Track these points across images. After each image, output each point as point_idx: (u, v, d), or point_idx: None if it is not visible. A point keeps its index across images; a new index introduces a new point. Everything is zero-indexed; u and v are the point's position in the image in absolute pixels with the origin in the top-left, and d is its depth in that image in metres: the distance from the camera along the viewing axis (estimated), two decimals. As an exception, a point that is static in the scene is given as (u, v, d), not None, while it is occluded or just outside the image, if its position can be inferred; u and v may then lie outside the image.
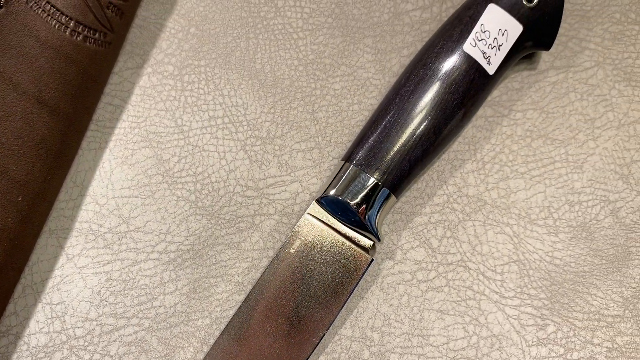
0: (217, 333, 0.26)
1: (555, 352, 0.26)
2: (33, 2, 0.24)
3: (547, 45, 0.29)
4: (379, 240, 0.26)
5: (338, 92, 0.29)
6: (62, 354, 0.25)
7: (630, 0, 0.31)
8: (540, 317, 0.27)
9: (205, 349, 0.25)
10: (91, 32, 0.25)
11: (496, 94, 0.29)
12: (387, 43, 0.30)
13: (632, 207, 0.28)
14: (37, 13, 0.24)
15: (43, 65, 0.24)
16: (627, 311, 0.27)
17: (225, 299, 0.26)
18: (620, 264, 0.27)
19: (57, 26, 0.24)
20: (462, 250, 0.27)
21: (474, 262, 0.27)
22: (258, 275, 0.26)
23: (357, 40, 0.30)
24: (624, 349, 0.27)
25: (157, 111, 0.28)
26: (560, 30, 0.30)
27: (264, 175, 0.28)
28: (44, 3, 0.24)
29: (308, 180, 0.28)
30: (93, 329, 0.25)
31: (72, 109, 0.25)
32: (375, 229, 0.26)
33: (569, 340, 0.27)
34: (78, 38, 0.25)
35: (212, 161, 0.28)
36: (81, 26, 0.25)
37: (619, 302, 0.27)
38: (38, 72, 0.24)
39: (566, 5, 0.31)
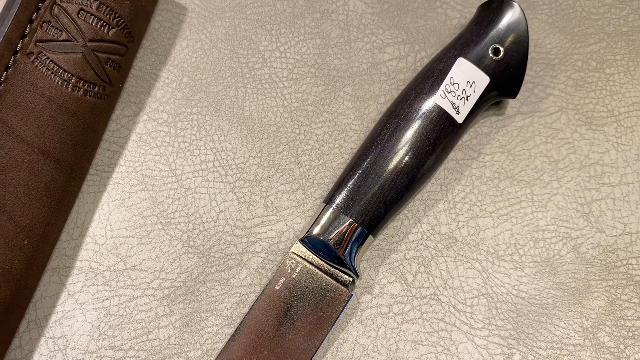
0: (208, 364, 0.27)
1: (521, 379, 0.28)
2: (38, 62, 0.25)
3: (513, 94, 0.31)
4: (357, 276, 0.28)
5: (320, 137, 0.31)
6: (64, 384, 0.27)
7: (591, 49, 0.33)
8: (507, 347, 0.29)
9: (197, 379, 0.27)
10: (91, 86, 0.27)
11: (466, 138, 0.31)
12: (365, 91, 0.31)
13: (592, 243, 0.30)
14: (42, 71, 0.26)
15: (47, 119, 0.26)
16: (587, 340, 0.29)
17: (215, 332, 0.28)
18: (580, 297, 0.29)
19: (60, 82, 0.26)
20: (435, 284, 0.29)
21: (445, 296, 0.29)
22: (246, 310, 0.28)
23: (337, 89, 0.31)
24: (584, 376, 0.28)
25: (152, 156, 0.30)
26: (526, 78, 0.32)
27: (252, 215, 0.29)
28: (48, 62, 0.26)
29: (292, 220, 0.30)
30: (92, 361, 0.27)
31: (73, 158, 0.27)
32: (353, 266, 0.28)
33: (533, 367, 0.28)
34: (79, 92, 0.27)
35: (203, 202, 0.29)
36: (82, 81, 0.27)
37: (580, 331, 0.29)
38: (42, 126, 0.26)
39: (532, 54, 0.33)
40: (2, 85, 0.24)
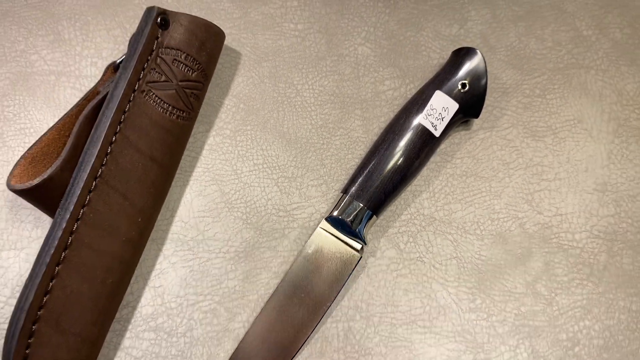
0: (262, 304, 0.38)
1: (481, 317, 0.39)
2: (147, 97, 0.37)
3: (476, 115, 0.41)
4: (365, 244, 0.39)
5: (338, 146, 0.42)
6: (162, 318, 0.38)
7: (536, 81, 0.44)
8: (471, 294, 0.40)
9: (254, 315, 0.38)
10: (181, 112, 0.38)
11: (443, 146, 0.42)
12: (370, 113, 0.43)
13: (533, 222, 0.41)
14: (150, 103, 0.37)
15: (153, 135, 0.37)
16: (528, 290, 0.40)
17: (266, 283, 0.39)
18: (524, 260, 0.40)
19: (161, 110, 0.37)
20: (420, 250, 0.40)
21: (427, 258, 0.40)
22: (287, 267, 0.39)
23: (350, 111, 0.43)
24: (525, 314, 0.39)
25: (219, 160, 0.41)
26: (487, 102, 0.43)
27: (290, 202, 0.41)
28: (154, 96, 0.37)
29: (319, 205, 0.41)
30: (182, 302, 0.38)
31: (169, 162, 0.38)
32: (363, 237, 0.39)
33: (489, 309, 0.39)
34: (173, 117, 0.38)
35: (256, 193, 0.41)
36: (175, 109, 0.38)
37: (523, 284, 0.40)
38: (150, 140, 0.37)
39: (491, 85, 0.44)
40: (126, 113, 0.36)
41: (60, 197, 0.34)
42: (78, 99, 0.41)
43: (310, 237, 0.38)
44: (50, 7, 0.43)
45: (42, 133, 0.40)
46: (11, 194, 0.39)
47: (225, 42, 0.42)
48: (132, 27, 0.43)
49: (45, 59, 0.42)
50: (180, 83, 0.38)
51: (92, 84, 0.41)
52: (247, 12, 0.44)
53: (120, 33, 0.43)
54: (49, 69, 0.42)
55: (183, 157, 0.40)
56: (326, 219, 0.39)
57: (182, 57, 0.38)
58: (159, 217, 0.39)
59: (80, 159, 0.34)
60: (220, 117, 0.42)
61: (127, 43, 0.42)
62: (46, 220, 0.39)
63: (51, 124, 0.40)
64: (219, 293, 0.38)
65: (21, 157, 0.35)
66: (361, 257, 0.38)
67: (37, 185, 0.33)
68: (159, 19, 0.37)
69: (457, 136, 0.42)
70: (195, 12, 0.43)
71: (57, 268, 0.33)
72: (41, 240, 0.38)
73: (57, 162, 0.34)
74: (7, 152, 0.40)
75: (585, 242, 0.40)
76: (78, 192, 0.33)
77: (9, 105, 0.41)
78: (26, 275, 0.38)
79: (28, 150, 0.36)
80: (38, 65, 0.42)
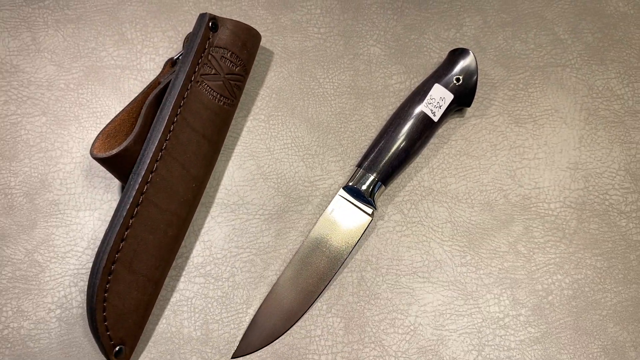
0: (290, 256, 0.46)
1: (470, 270, 0.47)
2: (201, 86, 0.45)
3: (468, 105, 0.49)
4: (375, 209, 0.47)
5: (353, 130, 0.50)
6: (210, 266, 0.46)
7: (520, 77, 0.52)
8: (462, 251, 0.47)
9: (285, 264, 0.46)
10: (227, 100, 0.47)
11: (440, 131, 0.50)
12: (380, 102, 0.51)
13: (516, 194, 0.49)
14: (203, 92, 0.45)
15: (205, 117, 0.45)
16: (510, 249, 0.47)
17: (294, 239, 0.47)
18: (507, 224, 0.48)
19: (212, 97, 0.46)
20: (420, 215, 0.48)
21: (426, 222, 0.48)
22: (310, 227, 0.47)
23: (363, 101, 0.51)
24: (508, 269, 0.47)
25: (256, 140, 0.49)
26: (477, 94, 0.51)
27: (313, 174, 0.49)
28: (206, 86, 0.45)
29: (338, 177, 0.49)
30: (226, 254, 0.46)
31: (216, 139, 0.46)
32: (374, 204, 0.47)
33: (478, 264, 0.47)
34: (220, 103, 0.46)
35: (286, 167, 0.49)
36: (223, 97, 0.46)
37: (506, 244, 0.48)
38: (203, 121, 0.45)
39: (482, 79, 0.52)
40: (185, 99, 0.44)
41: (131, 165, 0.42)
42: (140, 89, 0.49)
43: (330, 203, 0.46)
44: (116, 12, 0.51)
45: (111, 116, 0.48)
46: (86, 164, 0.47)
47: (260, 43, 0.50)
48: (183, 29, 0.51)
49: (112, 55, 0.50)
50: (226, 76, 0.46)
51: (151, 77, 0.50)
52: (278, 18, 0.52)
53: (174, 34, 0.51)
54: (115, 64, 0.50)
55: (226, 136, 0.49)
56: (343, 188, 0.47)
57: (228, 54, 0.46)
58: (207, 185, 0.47)
59: (149, 135, 0.43)
60: (256, 105, 0.50)
61: (179, 42, 0.51)
62: (115, 187, 0.47)
63: (117, 109, 0.49)
64: (256, 247, 0.46)
65: (99, 133, 0.44)
66: (372, 220, 0.46)
67: (115, 155, 0.42)
68: (210, 23, 0.45)
69: (452, 122, 0.50)
70: (234, 17, 0.52)
71: (131, 220, 0.41)
72: (111, 203, 0.47)
73: (131, 137, 0.42)
74: (82, 131, 0.48)
75: (559, 211, 0.48)
76: (148, 160, 0.42)
77: (83, 93, 0.49)
78: (99, 231, 0.46)
79: (104, 128, 0.44)
80: (106, 60, 0.50)
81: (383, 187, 0.46)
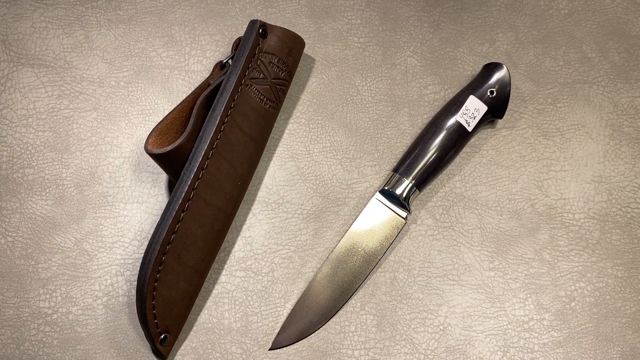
0: (327, 255, 0.48)
1: (498, 274, 0.49)
2: (250, 89, 0.47)
3: (501, 117, 0.51)
4: (410, 213, 0.49)
5: (389, 136, 0.52)
6: (251, 261, 0.48)
7: (549, 92, 0.54)
8: (490, 257, 0.49)
9: (321, 262, 0.48)
10: (272, 103, 0.48)
11: (472, 140, 0.52)
12: (415, 111, 0.53)
13: (542, 203, 0.51)
14: (251, 95, 0.47)
15: (252, 119, 0.47)
16: (536, 256, 0.49)
17: (331, 238, 0.49)
18: (534, 232, 0.50)
19: (259, 100, 0.47)
20: (451, 221, 0.50)
21: (457, 227, 0.50)
22: (347, 228, 0.49)
23: (400, 109, 0.53)
24: (533, 275, 0.49)
25: (296, 142, 0.51)
26: (509, 107, 0.53)
27: (350, 177, 0.51)
28: (254, 89, 0.47)
29: (374, 181, 0.51)
30: (265, 250, 0.48)
31: (261, 140, 0.48)
32: (408, 207, 0.49)
33: (505, 269, 0.49)
34: (266, 106, 0.48)
35: (324, 169, 0.51)
36: (269, 100, 0.48)
37: (532, 251, 0.50)
38: (250, 122, 0.47)
39: (513, 94, 0.53)
40: (235, 101, 0.46)
41: (183, 162, 0.44)
42: (187, 89, 0.51)
43: (366, 205, 0.48)
44: (165, 15, 0.53)
45: (159, 113, 0.50)
46: (134, 158, 0.49)
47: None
48: (230, 33, 0.53)
49: (161, 55, 0.52)
50: (273, 80, 0.48)
51: (199, 78, 0.51)
52: (320, 27, 0.54)
53: (221, 38, 0.53)
54: (164, 64, 0.52)
55: (269, 138, 0.50)
56: (380, 192, 0.48)
57: (275, 60, 0.48)
58: (250, 183, 0.49)
59: (200, 134, 0.45)
60: (298, 109, 0.52)
61: (226, 46, 0.52)
62: (162, 182, 0.49)
63: (165, 107, 0.51)
64: (294, 244, 0.48)
65: (153, 130, 0.45)
66: (406, 223, 0.48)
67: (169, 151, 0.43)
68: (260, 30, 0.47)
69: (484, 132, 0.52)
70: (278, 24, 0.53)
71: (182, 214, 0.43)
72: (157, 197, 0.48)
73: (184, 135, 0.44)
74: (131, 127, 0.50)
75: (583, 222, 0.50)
76: (200, 158, 0.44)
77: (133, 90, 0.51)
78: (145, 223, 0.48)
79: (157, 125, 0.46)
80: (156, 60, 0.52)
81: (417, 191, 0.48)
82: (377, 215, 0.48)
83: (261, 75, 0.47)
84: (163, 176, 0.49)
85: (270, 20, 0.53)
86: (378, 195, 0.48)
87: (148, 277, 0.42)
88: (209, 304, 0.46)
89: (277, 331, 0.46)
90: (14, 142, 0.49)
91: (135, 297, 0.44)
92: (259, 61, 0.47)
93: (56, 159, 0.48)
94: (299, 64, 0.52)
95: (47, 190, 0.48)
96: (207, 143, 0.44)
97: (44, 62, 0.51)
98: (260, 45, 0.47)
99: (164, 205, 0.48)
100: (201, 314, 0.46)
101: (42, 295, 0.45)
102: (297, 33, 0.53)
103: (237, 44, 0.49)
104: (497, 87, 0.49)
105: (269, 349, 0.45)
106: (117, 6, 0.53)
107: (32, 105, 0.50)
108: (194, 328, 0.45)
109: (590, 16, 0.56)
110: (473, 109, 0.49)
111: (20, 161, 0.48)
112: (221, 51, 0.52)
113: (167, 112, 0.50)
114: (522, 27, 0.55)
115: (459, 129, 0.48)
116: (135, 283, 0.46)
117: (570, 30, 0.55)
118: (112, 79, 0.51)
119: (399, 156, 0.51)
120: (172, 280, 0.43)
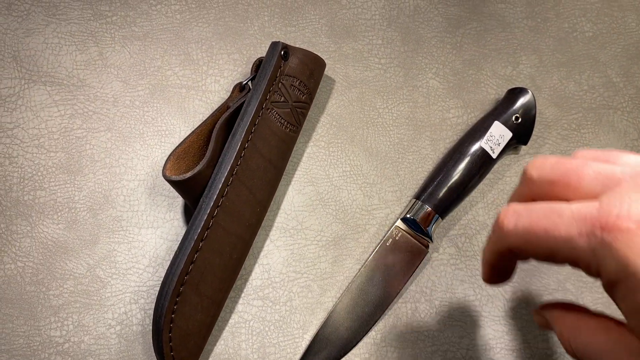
0: (347, 284, 0.47)
1: (521, 305, 0.48)
2: (270, 113, 0.46)
3: (525, 143, 0.50)
4: (431, 241, 0.47)
5: (411, 161, 0.51)
6: (268, 290, 0.46)
7: (573, 117, 0.53)
8: (513, 286, 0.48)
9: (341, 292, 0.47)
10: (292, 126, 0.47)
11: (496, 167, 0.51)
12: (438, 135, 0.51)
13: (566, 232, 0.50)
14: (271, 118, 0.46)
15: (273, 143, 0.46)
16: (559, 287, 0.48)
17: (350, 267, 0.48)
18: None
19: (279, 124, 0.46)
20: (474, 250, 0.49)
21: (479, 257, 0.49)
22: (367, 256, 0.48)
23: (421, 133, 0.51)
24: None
25: (315, 166, 0.50)
26: (533, 133, 0.52)
27: (371, 203, 0.49)
28: (275, 113, 0.46)
29: (395, 207, 0.49)
30: (284, 278, 0.47)
31: (281, 165, 0.47)
32: (430, 235, 0.47)
33: (528, 300, 0.48)
34: (287, 130, 0.47)
35: (344, 194, 0.49)
36: (289, 124, 0.47)
37: (556, 282, 0.49)
38: (270, 147, 0.46)
39: (538, 119, 0.52)
40: (256, 125, 0.44)
41: (202, 188, 0.43)
42: (204, 109, 0.50)
43: (387, 232, 0.47)
44: (182, 32, 0.52)
45: (175, 135, 0.49)
46: (149, 182, 0.48)
47: (322, 70, 0.51)
48: (249, 52, 0.51)
49: (177, 74, 0.51)
50: (293, 103, 0.47)
51: (216, 98, 0.50)
52: (340, 47, 0.52)
53: (239, 57, 0.51)
54: (181, 83, 0.50)
55: (288, 161, 0.49)
56: (402, 219, 0.47)
57: (297, 83, 0.47)
58: (268, 209, 0.48)
59: (220, 159, 0.43)
60: (317, 132, 0.50)
61: (244, 65, 0.51)
62: (178, 206, 0.47)
63: (182, 128, 0.49)
64: (313, 272, 0.47)
65: (170, 155, 0.44)
66: (427, 252, 0.47)
67: (189, 178, 0.42)
68: (282, 52, 0.46)
69: (508, 159, 0.51)
70: (298, 44, 0.52)
71: (200, 244, 0.42)
72: (173, 222, 0.47)
73: (204, 161, 0.42)
74: (147, 149, 0.49)
75: (607, 251, 0.49)
76: (220, 185, 0.42)
77: (148, 110, 0.49)
78: (161, 249, 0.46)
79: (174, 149, 0.44)
80: (172, 79, 0.50)
81: (440, 219, 0.47)
82: (399, 243, 0.46)
83: (282, 99, 0.46)
84: (179, 200, 0.47)
85: (289, 39, 0.52)
86: (400, 222, 0.47)
87: (165, 310, 0.40)
88: (225, 334, 0.45)
89: (295, 363, 0.44)
90: (25, 163, 0.47)
91: (151, 328, 0.43)
92: (280, 84, 0.46)
93: (69, 181, 0.47)
94: (319, 85, 0.51)
95: (59, 214, 0.46)
96: (227, 169, 0.42)
97: (56, 79, 0.49)
98: (282, 68, 0.46)
99: (179, 231, 0.46)
100: (217, 344, 0.44)
101: (54, 323, 0.44)
102: (317, 53, 0.52)
103: (258, 65, 0.47)
104: (521, 113, 0.48)
105: (287, 382, 0.44)
106: (132, 22, 0.51)
107: (44, 125, 0.48)
108: (210, 359, 0.44)
109: (615, 39, 0.54)
110: (498, 135, 0.48)
111: (32, 183, 0.47)
112: (239, 71, 0.51)
113: (183, 133, 0.49)
114: (546, 50, 0.54)
115: (484, 156, 0.47)
116: (150, 312, 0.44)
117: (594, 54, 0.54)
118: (126, 98, 0.49)
119: (421, 181, 0.49)
120: (190, 312, 0.42)
